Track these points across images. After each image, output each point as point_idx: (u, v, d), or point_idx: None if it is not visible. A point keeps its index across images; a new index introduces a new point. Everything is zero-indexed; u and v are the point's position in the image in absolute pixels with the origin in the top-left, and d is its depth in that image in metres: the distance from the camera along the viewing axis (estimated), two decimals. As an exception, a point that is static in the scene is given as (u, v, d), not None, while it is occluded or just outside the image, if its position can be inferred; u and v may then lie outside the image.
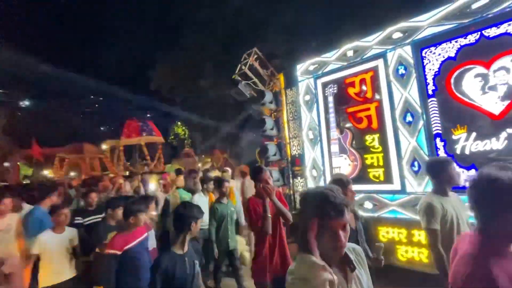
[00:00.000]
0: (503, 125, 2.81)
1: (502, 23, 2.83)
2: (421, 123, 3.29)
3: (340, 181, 2.26)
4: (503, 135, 2.81)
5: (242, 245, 4.28)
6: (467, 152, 3.02)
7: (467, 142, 3.02)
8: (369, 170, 3.72)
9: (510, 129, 2.77)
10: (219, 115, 13.36)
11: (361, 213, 3.66)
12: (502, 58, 2.83)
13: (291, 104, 4.75)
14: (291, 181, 4.69)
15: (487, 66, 2.92)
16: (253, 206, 2.54)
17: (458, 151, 3.07)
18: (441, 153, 3.17)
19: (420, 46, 3.34)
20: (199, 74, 11.86)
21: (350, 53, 3.96)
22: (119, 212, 2.78)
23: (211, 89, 11.63)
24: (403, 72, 3.46)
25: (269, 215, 2.44)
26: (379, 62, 3.67)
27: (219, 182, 3.71)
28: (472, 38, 3.01)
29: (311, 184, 4.36)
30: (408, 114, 3.39)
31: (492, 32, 2.89)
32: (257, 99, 4.76)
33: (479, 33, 2.96)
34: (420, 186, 3.26)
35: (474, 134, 2.98)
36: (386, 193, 3.53)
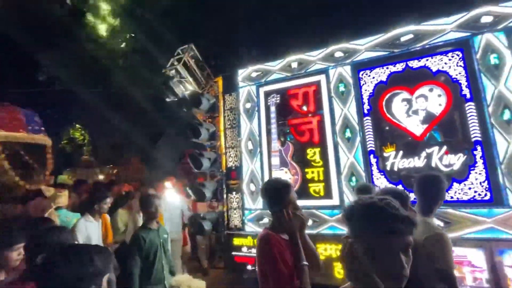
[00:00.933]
0: (423, 145, 3.17)
1: (422, 57, 3.26)
2: (358, 139, 3.42)
3: (396, 194, 1.56)
4: (423, 154, 3.15)
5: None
6: (395, 168, 3.26)
7: (395, 160, 3.27)
8: (309, 184, 3.61)
9: (428, 149, 3.13)
10: (136, 116, 11.53)
11: (300, 230, 3.47)
12: (422, 87, 3.24)
13: (230, 111, 4.33)
14: (224, 196, 4.16)
15: (412, 93, 3.28)
16: (279, 251, 1.49)
17: (388, 168, 3.29)
18: (374, 169, 3.33)
19: (358, 68, 3.55)
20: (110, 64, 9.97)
21: (294, 65, 3.90)
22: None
23: (128, 86, 9.96)
24: (343, 89, 3.58)
25: (306, 264, 1.49)
26: (322, 78, 3.72)
27: (145, 201, 2.65)
28: (399, 66, 3.36)
29: (248, 200, 3.95)
30: (348, 130, 3.48)
31: (415, 63, 3.29)
32: (192, 102, 4.12)
33: (405, 63, 3.34)
34: (357, 201, 3.31)
35: (401, 152, 3.26)
36: (326, 209, 3.46)
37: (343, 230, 3.27)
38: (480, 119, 2.93)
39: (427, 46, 3.22)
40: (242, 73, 4.27)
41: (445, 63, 3.15)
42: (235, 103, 4.29)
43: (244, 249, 3.83)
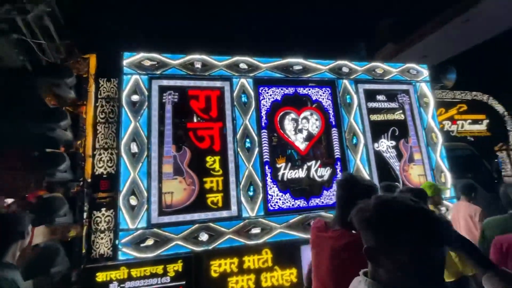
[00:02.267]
0: (305, 159, 3.75)
1: (306, 86, 3.95)
2: (256, 150, 3.55)
3: (421, 194, 1.77)
4: (305, 167, 3.72)
5: None
6: (285, 178, 3.63)
7: (285, 171, 3.65)
8: (208, 195, 3.30)
9: (309, 162, 3.74)
10: None
11: (193, 247, 3.06)
12: (306, 111, 3.90)
13: (106, 100, 3.29)
14: (85, 215, 2.99)
15: (299, 114, 3.86)
16: None
17: (279, 178, 3.61)
18: (268, 179, 3.55)
19: (258, 83, 3.77)
20: None
21: (198, 65, 3.59)
22: None
23: None
24: (246, 100, 3.66)
25: None
26: (226, 85, 3.64)
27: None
28: (291, 90, 3.89)
29: (126, 218, 3.03)
30: (248, 140, 3.54)
31: (301, 90, 3.93)
32: (46, 74, 2.77)
33: (294, 88, 3.91)
34: (253, 211, 3.36)
35: (289, 164, 3.68)
36: (223, 220, 3.26)
37: (241, 242, 3.21)
38: (340, 142, 3.86)
39: (310, 78, 3.95)
40: (130, 57, 3.42)
41: (320, 95, 3.97)
42: (115, 92, 3.33)
43: (114, 285, 2.86)
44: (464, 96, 6.53)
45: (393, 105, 4.25)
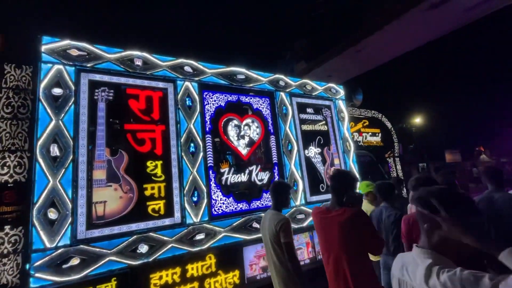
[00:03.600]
0: (247, 164, 3.94)
1: (248, 95, 4.18)
2: (201, 155, 3.52)
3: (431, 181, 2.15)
4: (247, 171, 3.90)
5: None
6: (228, 183, 3.71)
7: (229, 175, 3.74)
8: (148, 203, 3.05)
9: (250, 167, 3.94)
10: None
11: (130, 262, 2.79)
12: (247, 118, 4.11)
13: (15, 91, 2.66)
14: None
15: (241, 120, 4.04)
16: None
17: (223, 182, 3.67)
18: (213, 183, 3.57)
19: (203, 88, 3.78)
20: None
21: (138, 62, 3.33)
22: None
23: None
24: (190, 104, 3.60)
25: None
26: (170, 86, 3.50)
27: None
28: (234, 97, 4.05)
29: (42, 236, 2.49)
30: (192, 144, 3.48)
31: (243, 98, 4.13)
32: None
33: (237, 96, 4.08)
34: (197, 217, 3.31)
35: (233, 169, 3.79)
36: (165, 229, 3.08)
37: (184, 250, 3.10)
38: (277, 148, 4.23)
39: (252, 88, 4.20)
40: (51, 42, 2.88)
41: (261, 104, 4.27)
42: (29, 82, 2.73)
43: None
44: (366, 114, 8.16)
45: (319, 117, 4.94)
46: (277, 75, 4.51)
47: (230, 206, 3.62)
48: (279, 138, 4.26)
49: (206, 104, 3.76)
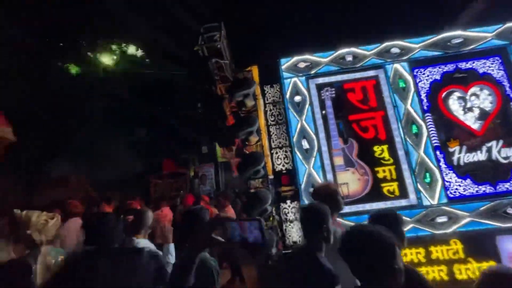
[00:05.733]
0: (483, 140, 3.35)
1: (470, 60, 3.53)
2: (424, 135, 3.36)
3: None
4: (484, 148, 3.32)
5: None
6: (461, 163, 3.31)
7: (460, 155, 3.33)
8: (382, 184, 3.29)
9: (488, 143, 3.32)
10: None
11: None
12: (473, 87, 3.49)
13: (273, 105, 3.66)
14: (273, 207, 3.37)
15: (466, 90, 3.48)
16: None
17: (455, 163, 3.32)
18: (443, 164, 3.31)
19: (413, 65, 3.57)
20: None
21: (349, 58, 3.65)
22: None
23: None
24: (403, 85, 3.52)
25: None
26: (380, 73, 3.58)
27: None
28: (450, 67, 3.55)
29: (308, 209, 3.30)
30: (414, 125, 3.39)
31: (463, 65, 3.54)
32: (239, 86, 3.28)
33: (455, 64, 3.55)
34: (433, 199, 3.18)
35: (464, 147, 3.35)
36: (402, 209, 3.18)
37: (425, 231, 3.07)
38: (525, 116, 3.31)
39: (476, 50, 3.52)
40: (286, 63, 3.73)
41: (489, 67, 3.49)
42: (279, 96, 3.67)
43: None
44: None
45: None
46: (509, 24, 3.53)
47: (469, 188, 3.22)
48: (527, 103, 3.31)
49: (419, 82, 3.54)
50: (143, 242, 2.08)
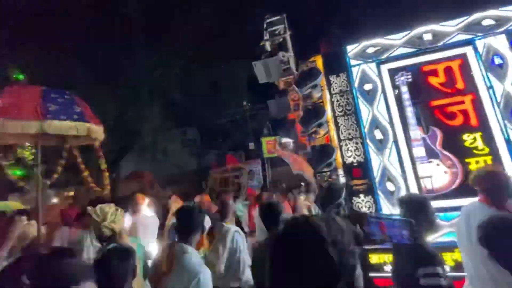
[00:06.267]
0: None
1: None
2: (532, 119, 2.82)
3: None
4: None
5: None
6: None
7: None
8: (476, 178, 2.88)
9: None
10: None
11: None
12: None
13: (340, 94, 3.50)
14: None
15: None
16: None
17: None
18: (559, 153, 2.73)
19: (512, 37, 3.01)
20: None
21: (427, 37, 3.26)
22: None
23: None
24: (500, 62, 3.00)
25: None
26: (468, 50, 3.12)
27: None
28: None
29: (384, 203, 3.09)
30: (515, 109, 2.87)
31: None
32: (307, 78, 3.23)
33: None
34: (547, 194, 2.65)
35: None
36: (503, 207, 2.74)
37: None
38: None
39: None
40: (352, 49, 3.52)
41: None
42: (346, 85, 3.49)
43: (388, 268, 2.93)
44: None
45: None
46: None
47: None
48: None
49: (522, 56, 2.97)
50: (232, 227, 2.26)
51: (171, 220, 3.39)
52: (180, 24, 10.62)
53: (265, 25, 3.52)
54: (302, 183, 7.31)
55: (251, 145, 12.46)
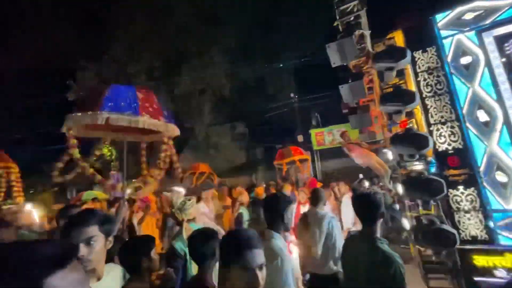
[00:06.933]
0: None
1: None
2: None
3: None
4: None
5: None
6: None
7: None
8: None
9: None
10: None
11: None
12: None
13: (428, 73, 3.06)
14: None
15: None
16: None
17: None
18: None
19: None
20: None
21: (552, -10, 2.60)
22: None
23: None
24: None
25: None
26: None
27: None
28: None
29: (493, 198, 2.61)
30: None
31: None
32: (384, 58, 2.90)
33: None
34: None
35: None
36: None
37: None
38: None
39: None
40: (442, 19, 3.02)
41: None
42: (436, 61, 3.02)
43: (500, 273, 2.48)
44: None
45: None
46: None
47: None
48: None
49: None
50: (328, 213, 2.29)
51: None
52: (228, 20, 10.84)
53: (335, 3, 3.24)
54: (360, 175, 6.83)
55: (300, 137, 12.34)
